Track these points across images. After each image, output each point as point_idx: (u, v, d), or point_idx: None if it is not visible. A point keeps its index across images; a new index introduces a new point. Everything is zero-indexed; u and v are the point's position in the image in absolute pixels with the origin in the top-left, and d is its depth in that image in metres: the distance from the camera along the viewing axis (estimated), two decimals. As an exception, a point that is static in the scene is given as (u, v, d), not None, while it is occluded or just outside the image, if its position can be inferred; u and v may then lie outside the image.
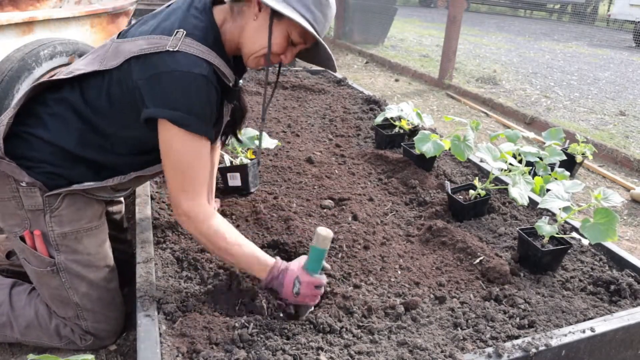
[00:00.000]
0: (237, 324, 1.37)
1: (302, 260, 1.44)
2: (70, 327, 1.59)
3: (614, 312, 1.48)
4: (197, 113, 1.33)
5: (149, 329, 1.27)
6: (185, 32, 1.32)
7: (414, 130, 2.78)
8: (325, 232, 1.35)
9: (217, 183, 2.18)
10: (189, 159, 1.36)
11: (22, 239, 1.50)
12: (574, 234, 1.79)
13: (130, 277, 1.67)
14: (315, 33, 1.35)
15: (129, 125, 1.43)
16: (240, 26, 1.40)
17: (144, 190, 1.99)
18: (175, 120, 1.30)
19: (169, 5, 1.47)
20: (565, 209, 1.77)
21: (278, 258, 1.46)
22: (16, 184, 1.44)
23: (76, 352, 1.62)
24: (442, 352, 1.28)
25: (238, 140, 1.75)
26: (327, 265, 1.50)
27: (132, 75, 1.34)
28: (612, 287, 1.60)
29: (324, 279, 1.42)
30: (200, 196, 1.39)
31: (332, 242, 1.75)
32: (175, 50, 1.29)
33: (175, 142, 1.34)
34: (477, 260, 1.69)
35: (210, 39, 1.36)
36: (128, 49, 1.35)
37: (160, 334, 1.28)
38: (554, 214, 1.99)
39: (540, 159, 2.31)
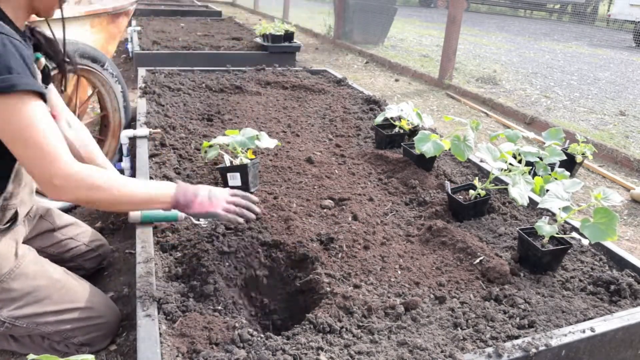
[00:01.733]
0: (237, 324, 1.37)
1: None
2: (64, 344, 1.59)
3: (614, 312, 1.48)
4: (9, 68, 1.21)
5: (149, 329, 1.27)
6: None
7: (414, 130, 2.78)
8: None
9: (217, 183, 2.18)
10: (27, 122, 1.23)
11: None
12: (574, 234, 1.79)
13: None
14: None
15: None
16: None
17: (144, 190, 1.99)
18: None
19: None
20: (565, 209, 1.77)
21: None
22: None
23: (76, 353, 1.62)
24: (442, 352, 1.28)
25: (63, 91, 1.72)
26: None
27: None
28: (612, 287, 1.60)
29: None
30: (64, 157, 1.27)
31: (332, 242, 1.75)
32: None
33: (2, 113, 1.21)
34: (477, 260, 1.69)
35: None
36: None
37: (160, 334, 1.28)
38: (553, 214, 1.99)
39: (540, 159, 2.31)
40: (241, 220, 1.52)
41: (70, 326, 1.56)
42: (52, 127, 1.29)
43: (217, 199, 1.49)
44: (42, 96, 1.29)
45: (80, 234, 1.95)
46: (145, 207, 1.52)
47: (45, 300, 1.53)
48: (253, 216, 1.56)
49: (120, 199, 1.37)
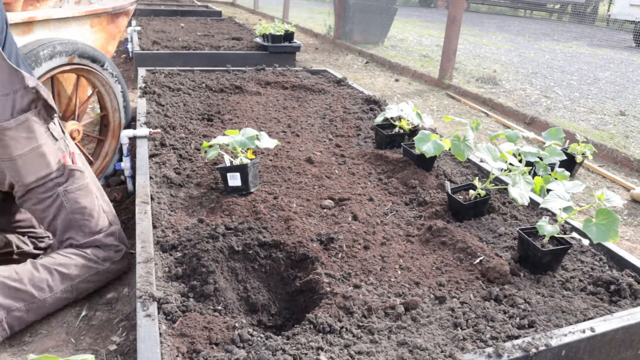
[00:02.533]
0: (237, 324, 1.37)
1: None
2: (103, 249, 1.92)
3: (614, 312, 1.48)
4: None
5: (149, 329, 1.27)
6: None
7: (414, 130, 2.78)
8: None
9: (217, 183, 2.18)
10: None
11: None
12: (574, 234, 1.79)
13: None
14: None
15: None
16: None
17: (144, 190, 1.99)
18: None
19: None
20: (566, 209, 1.77)
21: None
22: (45, 126, 1.83)
23: (76, 353, 1.63)
24: (442, 352, 1.28)
25: None
26: None
27: None
28: (612, 287, 1.60)
29: None
30: None
31: (332, 242, 1.75)
32: None
33: None
34: (477, 260, 1.69)
35: None
36: None
37: (160, 334, 1.28)
38: (554, 214, 1.99)
39: (540, 159, 2.31)
40: None
41: (107, 223, 1.95)
42: None
43: None
44: None
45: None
46: None
47: (90, 189, 1.94)
48: None
49: None
